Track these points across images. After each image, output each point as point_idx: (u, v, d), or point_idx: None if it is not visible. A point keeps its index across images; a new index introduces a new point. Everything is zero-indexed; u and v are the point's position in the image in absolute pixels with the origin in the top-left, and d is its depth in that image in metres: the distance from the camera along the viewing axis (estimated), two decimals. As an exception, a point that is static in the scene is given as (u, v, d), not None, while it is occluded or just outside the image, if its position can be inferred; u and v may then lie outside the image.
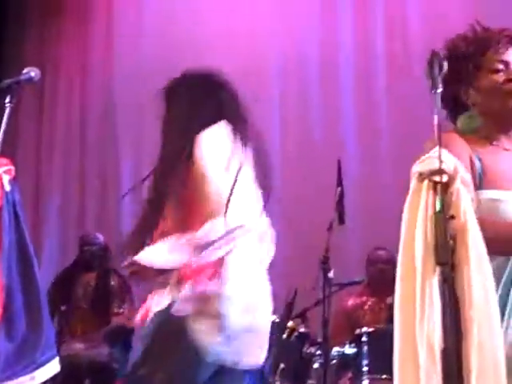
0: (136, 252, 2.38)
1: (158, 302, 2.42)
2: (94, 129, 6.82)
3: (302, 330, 4.01)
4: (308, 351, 3.93)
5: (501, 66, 2.02)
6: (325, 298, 3.83)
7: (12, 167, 2.36)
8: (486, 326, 1.53)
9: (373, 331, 3.87)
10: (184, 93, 2.63)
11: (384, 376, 3.64)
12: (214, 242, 2.30)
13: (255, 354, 2.46)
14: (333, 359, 3.85)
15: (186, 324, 2.33)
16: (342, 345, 3.92)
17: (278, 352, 3.85)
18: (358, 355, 3.83)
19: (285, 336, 3.93)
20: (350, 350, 3.89)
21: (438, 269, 1.53)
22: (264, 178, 2.53)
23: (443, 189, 1.58)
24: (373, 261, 4.72)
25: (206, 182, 2.33)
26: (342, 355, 3.88)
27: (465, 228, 1.57)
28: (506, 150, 2.01)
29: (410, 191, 1.64)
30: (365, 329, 3.90)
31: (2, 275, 2.27)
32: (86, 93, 6.94)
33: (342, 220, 4.03)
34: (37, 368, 2.30)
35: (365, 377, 3.76)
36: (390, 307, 3.41)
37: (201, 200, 2.33)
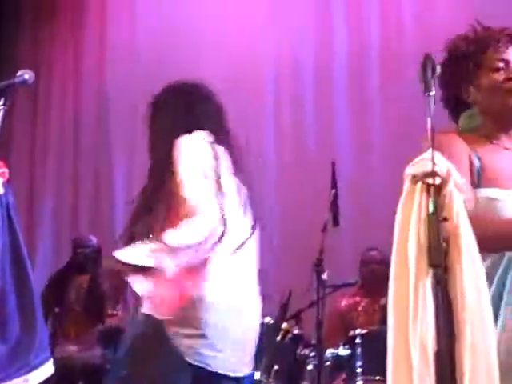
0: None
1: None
2: (88, 132, 6.82)
3: (296, 331, 4.01)
4: (302, 353, 3.93)
5: (501, 65, 2.03)
6: (319, 300, 3.83)
7: (6, 170, 2.36)
8: (478, 327, 1.54)
9: (366, 333, 3.88)
10: (169, 104, 2.68)
11: (377, 377, 3.65)
12: (189, 245, 2.31)
13: (242, 360, 2.46)
14: (327, 361, 3.86)
15: (166, 327, 2.34)
16: (336, 346, 3.92)
17: (272, 354, 3.85)
18: (351, 357, 3.84)
19: (279, 338, 3.93)
20: (343, 351, 3.89)
21: (431, 271, 1.53)
22: (246, 187, 2.56)
23: (436, 191, 1.59)
24: (365, 262, 4.73)
25: (181, 186, 2.36)
26: (336, 357, 3.89)
27: (457, 230, 1.58)
28: (506, 148, 2.02)
29: (404, 193, 1.65)
30: (358, 330, 3.91)
31: (-5, 278, 2.27)
32: (80, 96, 6.94)
33: (336, 222, 4.04)
34: (30, 370, 2.30)
35: (358, 378, 3.76)
36: (384, 308, 3.42)
37: (180, 204, 2.35)
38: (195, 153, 2.45)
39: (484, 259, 1.73)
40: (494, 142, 2.03)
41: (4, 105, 2.28)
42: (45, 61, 7.05)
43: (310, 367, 3.88)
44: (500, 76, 2.02)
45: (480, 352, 1.53)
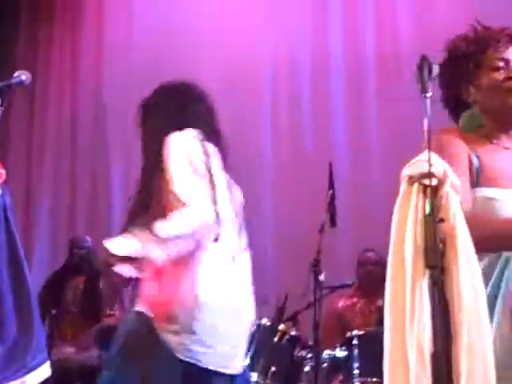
0: None
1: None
2: (85, 132, 6.81)
3: (293, 333, 4.00)
4: (299, 354, 3.93)
5: (501, 64, 2.03)
6: (316, 301, 3.83)
7: (3, 171, 2.36)
8: (475, 328, 1.54)
9: (363, 334, 3.88)
10: (161, 104, 2.71)
11: (374, 379, 3.65)
12: (179, 235, 2.32)
13: (234, 357, 2.46)
14: (324, 362, 3.86)
15: (157, 324, 2.36)
16: (333, 348, 3.92)
17: (269, 355, 3.85)
18: (348, 358, 3.84)
19: (276, 339, 3.93)
20: (340, 352, 3.89)
21: (427, 272, 1.54)
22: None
23: (433, 192, 1.59)
24: (362, 262, 4.73)
25: (171, 181, 2.39)
26: (333, 358, 3.89)
27: (454, 231, 1.58)
28: (506, 148, 2.02)
29: (400, 194, 1.65)
30: (355, 332, 3.91)
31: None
32: (77, 97, 6.93)
33: (333, 223, 4.04)
34: (28, 372, 2.29)
35: (355, 380, 3.76)
36: (381, 309, 3.42)
37: (171, 199, 2.38)
38: (184, 148, 2.48)
39: (481, 259, 1.73)
40: (494, 141, 2.03)
41: (1, 106, 2.28)
42: (42, 61, 7.05)
43: (307, 369, 3.88)
44: (500, 75, 2.02)
45: (477, 353, 1.53)
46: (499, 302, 1.81)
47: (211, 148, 2.56)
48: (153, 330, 2.37)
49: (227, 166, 2.63)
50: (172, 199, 2.37)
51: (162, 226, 2.34)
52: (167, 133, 2.52)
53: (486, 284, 1.77)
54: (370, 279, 4.59)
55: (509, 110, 2.01)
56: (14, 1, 7.21)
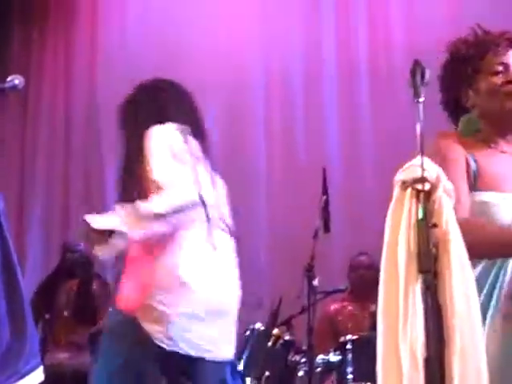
0: None
1: None
2: (79, 134, 6.80)
3: (287, 337, 4.01)
4: (293, 359, 3.93)
5: (500, 68, 2.04)
6: (310, 306, 3.83)
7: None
8: (468, 333, 1.54)
9: (357, 339, 3.88)
10: (142, 102, 2.72)
11: (368, 383, 3.65)
12: (160, 213, 2.32)
13: (217, 342, 2.44)
14: (317, 367, 3.86)
15: (136, 314, 2.36)
16: (327, 352, 3.92)
17: (263, 360, 3.85)
18: (342, 363, 3.84)
19: (270, 344, 3.93)
20: (334, 357, 3.89)
21: (420, 276, 1.54)
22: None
23: (426, 197, 1.59)
24: (354, 267, 4.73)
25: (151, 171, 2.40)
26: (327, 363, 3.89)
27: (447, 236, 1.58)
28: (503, 152, 2.03)
29: (393, 199, 1.65)
30: (349, 336, 3.91)
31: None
32: (70, 98, 6.92)
33: (327, 228, 4.04)
34: (21, 378, 2.28)
35: (349, 384, 3.77)
36: (374, 314, 3.43)
37: (152, 189, 2.39)
38: (165, 138, 2.49)
39: (475, 266, 1.74)
40: (492, 145, 2.04)
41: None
42: (35, 63, 7.03)
43: (300, 373, 3.88)
44: (499, 79, 2.03)
45: (469, 358, 1.53)
46: (492, 308, 1.82)
47: (193, 142, 2.56)
48: (131, 319, 2.37)
49: (213, 164, 2.63)
50: (154, 188, 2.37)
51: (143, 205, 2.36)
52: (149, 127, 2.52)
53: (480, 291, 1.78)
54: (362, 283, 4.59)
55: (507, 114, 2.02)
56: (6, 2, 7.19)
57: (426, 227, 1.55)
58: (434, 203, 1.60)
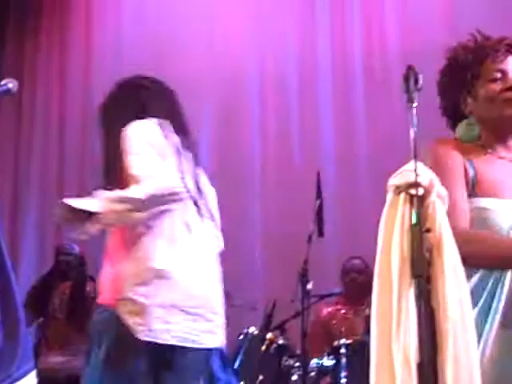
0: None
1: None
2: (73, 136, 6.79)
3: (280, 341, 4.01)
4: (287, 363, 3.93)
5: (498, 75, 2.04)
6: (303, 310, 3.83)
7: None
8: (461, 339, 1.54)
9: (351, 343, 3.88)
10: (123, 98, 2.72)
11: (362, 388, 3.65)
12: (136, 198, 2.33)
13: (200, 330, 2.40)
14: (311, 371, 3.85)
15: (116, 308, 2.36)
16: (321, 356, 3.92)
17: (257, 364, 3.85)
18: (336, 367, 3.84)
19: (263, 348, 3.93)
20: (328, 361, 3.89)
21: (413, 281, 1.54)
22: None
23: (419, 202, 1.59)
24: (346, 270, 4.74)
25: (129, 166, 2.40)
26: (321, 367, 3.89)
27: (440, 241, 1.58)
28: (502, 158, 2.03)
29: (387, 204, 1.65)
30: (343, 340, 3.91)
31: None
32: (65, 99, 6.91)
33: (321, 232, 4.05)
34: (13, 382, 2.27)
35: (343, 388, 3.76)
36: (368, 318, 3.43)
37: (131, 183, 2.38)
38: (144, 133, 2.48)
39: (471, 275, 1.74)
40: (490, 151, 2.04)
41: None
42: (29, 63, 7.03)
43: (294, 377, 3.88)
44: (497, 86, 2.03)
45: (462, 363, 1.53)
46: (490, 317, 1.82)
47: (175, 137, 2.55)
48: (112, 314, 2.36)
49: (197, 161, 2.62)
50: (133, 183, 2.37)
51: (121, 191, 2.37)
52: (129, 123, 2.51)
53: (478, 300, 1.78)
54: (355, 287, 4.59)
55: (505, 120, 2.01)
56: (0, 5, 7.18)
57: (420, 232, 1.55)
58: (428, 208, 1.60)
